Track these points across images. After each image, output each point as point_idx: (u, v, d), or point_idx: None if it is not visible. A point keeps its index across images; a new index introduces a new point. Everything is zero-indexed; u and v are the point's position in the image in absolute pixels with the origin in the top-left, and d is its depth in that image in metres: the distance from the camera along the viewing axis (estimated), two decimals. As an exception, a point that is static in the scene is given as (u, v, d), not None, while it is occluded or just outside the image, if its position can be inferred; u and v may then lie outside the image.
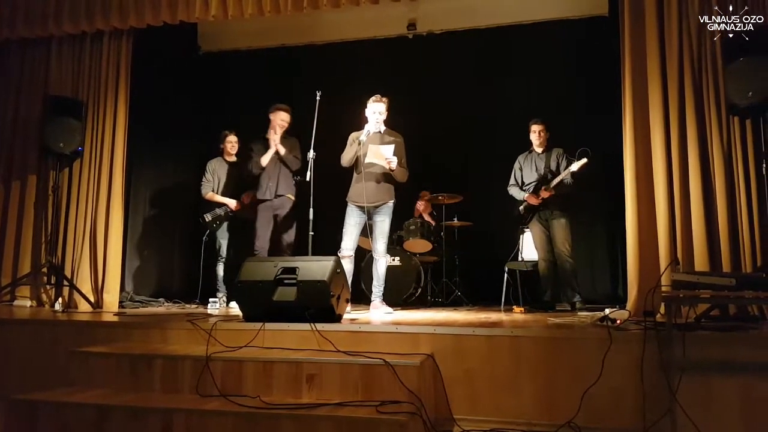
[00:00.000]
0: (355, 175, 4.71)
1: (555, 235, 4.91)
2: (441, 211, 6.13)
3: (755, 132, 3.83)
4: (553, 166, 4.98)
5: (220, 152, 5.72)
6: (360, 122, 4.74)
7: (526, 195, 5.00)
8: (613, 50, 4.46)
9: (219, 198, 5.57)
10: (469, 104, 6.41)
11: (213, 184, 5.61)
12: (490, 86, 6.41)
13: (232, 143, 5.67)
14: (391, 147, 4.52)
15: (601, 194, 5.74)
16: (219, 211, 5.55)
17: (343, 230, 4.64)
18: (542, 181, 4.96)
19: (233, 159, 5.70)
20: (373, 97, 4.70)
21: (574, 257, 4.89)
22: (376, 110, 4.64)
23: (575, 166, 4.72)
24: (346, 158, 4.66)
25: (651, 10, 4.15)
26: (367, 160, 4.56)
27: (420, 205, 6.29)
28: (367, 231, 4.60)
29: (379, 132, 4.66)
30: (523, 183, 5.12)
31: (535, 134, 5.07)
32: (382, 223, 4.63)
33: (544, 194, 4.85)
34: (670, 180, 3.98)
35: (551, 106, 5.62)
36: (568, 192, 4.91)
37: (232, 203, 5.55)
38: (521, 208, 5.10)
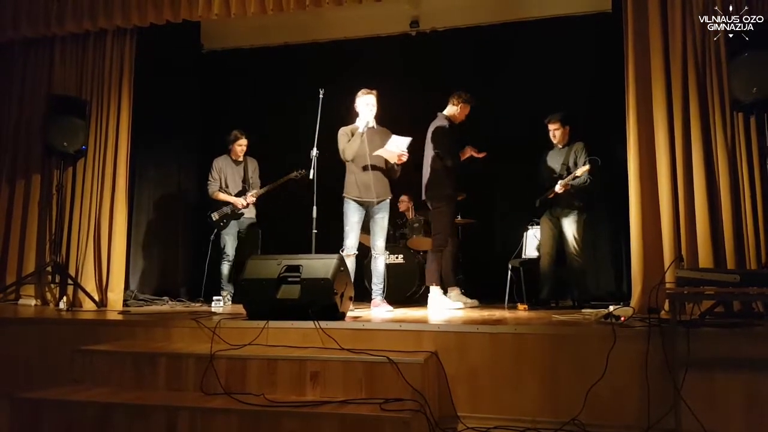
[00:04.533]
0: (354, 169, 4.58)
1: (564, 231, 4.85)
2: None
3: (759, 128, 3.80)
4: (570, 162, 4.92)
5: (227, 151, 5.72)
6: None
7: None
8: (616, 46, 4.44)
9: (225, 196, 5.58)
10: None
11: (219, 183, 5.62)
12: (493, 83, 6.38)
13: (242, 146, 5.66)
14: (408, 139, 4.43)
15: (605, 191, 5.72)
16: (226, 210, 5.56)
17: (346, 228, 4.56)
18: (560, 176, 4.90)
19: (240, 159, 5.72)
20: (364, 90, 4.63)
21: (582, 256, 4.83)
22: (369, 102, 4.56)
23: (579, 171, 4.70)
24: (350, 151, 4.53)
25: (654, 5, 4.12)
26: (375, 153, 4.47)
27: (402, 206, 6.29)
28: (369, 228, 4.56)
29: (373, 126, 4.57)
30: (549, 179, 5.07)
31: (551, 133, 5.02)
32: (383, 220, 4.60)
33: (558, 189, 4.81)
34: (673, 176, 3.96)
35: (554, 102, 5.59)
36: (585, 189, 4.83)
37: (238, 202, 5.56)
38: (537, 201, 5.06)
